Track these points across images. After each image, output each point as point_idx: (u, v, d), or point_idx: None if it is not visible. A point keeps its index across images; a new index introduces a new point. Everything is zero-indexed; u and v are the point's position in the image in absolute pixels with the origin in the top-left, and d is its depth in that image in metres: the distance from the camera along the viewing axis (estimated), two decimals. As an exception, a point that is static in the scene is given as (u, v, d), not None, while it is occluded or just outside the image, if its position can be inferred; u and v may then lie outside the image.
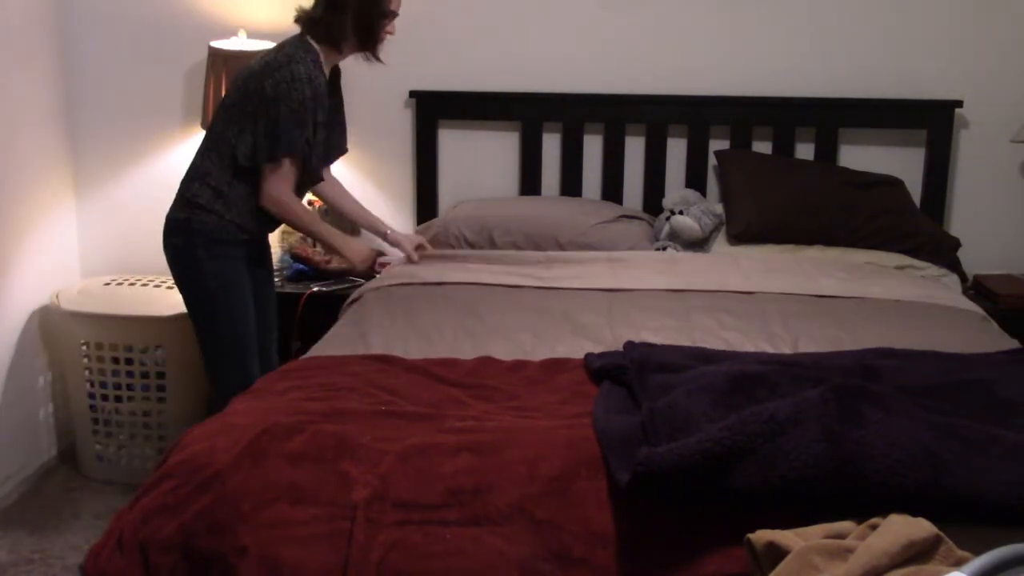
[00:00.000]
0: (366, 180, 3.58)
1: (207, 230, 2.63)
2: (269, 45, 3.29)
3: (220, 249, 2.65)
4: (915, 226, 3.10)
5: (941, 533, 1.27)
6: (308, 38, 2.63)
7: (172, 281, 3.36)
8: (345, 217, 3.03)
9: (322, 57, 2.64)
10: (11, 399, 3.20)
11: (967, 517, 1.38)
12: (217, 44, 3.28)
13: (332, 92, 2.77)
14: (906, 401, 1.60)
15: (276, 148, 2.56)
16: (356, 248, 2.83)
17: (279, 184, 2.60)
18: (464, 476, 1.54)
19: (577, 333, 2.38)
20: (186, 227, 2.64)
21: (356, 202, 3.01)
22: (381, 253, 3.03)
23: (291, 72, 2.54)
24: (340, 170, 3.56)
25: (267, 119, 2.55)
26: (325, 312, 2.99)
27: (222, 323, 2.68)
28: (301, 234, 3.52)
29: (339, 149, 2.91)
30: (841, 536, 1.34)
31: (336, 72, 2.80)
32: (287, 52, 2.59)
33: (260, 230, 2.75)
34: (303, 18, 2.65)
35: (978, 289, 3.21)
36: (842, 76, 3.37)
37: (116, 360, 3.23)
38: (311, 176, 2.72)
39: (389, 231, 2.96)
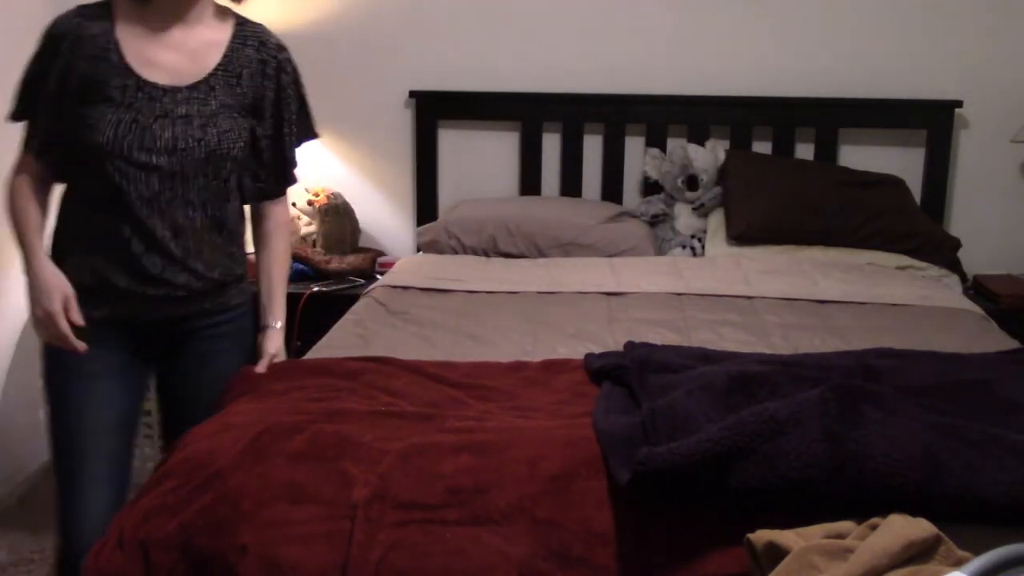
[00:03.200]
0: (366, 180, 3.59)
1: None
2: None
3: None
4: (916, 226, 3.10)
5: (941, 533, 1.27)
6: None
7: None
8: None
9: None
10: (11, 399, 3.20)
11: (967, 517, 1.38)
12: (217, 44, 3.26)
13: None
14: (906, 401, 1.60)
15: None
16: (45, 282, 1.99)
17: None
18: (464, 476, 1.54)
19: (579, 336, 2.38)
20: None
21: (273, 276, 2.11)
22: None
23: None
24: (341, 170, 3.57)
25: None
26: (325, 312, 2.99)
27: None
28: (300, 234, 3.51)
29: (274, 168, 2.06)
30: (841, 536, 1.33)
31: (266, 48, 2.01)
32: None
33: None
34: None
35: (978, 289, 3.21)
36: (842, 76, 3.37)
37: (116, 360, 3.22)
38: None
39: (272, 327, 2.10)
